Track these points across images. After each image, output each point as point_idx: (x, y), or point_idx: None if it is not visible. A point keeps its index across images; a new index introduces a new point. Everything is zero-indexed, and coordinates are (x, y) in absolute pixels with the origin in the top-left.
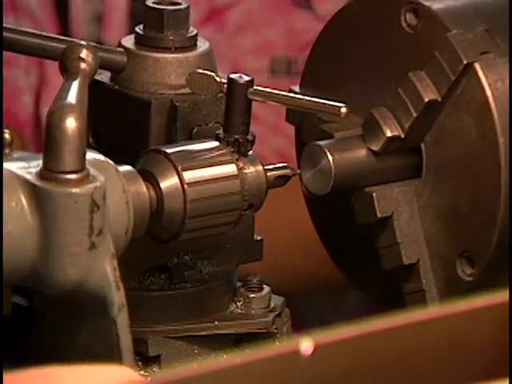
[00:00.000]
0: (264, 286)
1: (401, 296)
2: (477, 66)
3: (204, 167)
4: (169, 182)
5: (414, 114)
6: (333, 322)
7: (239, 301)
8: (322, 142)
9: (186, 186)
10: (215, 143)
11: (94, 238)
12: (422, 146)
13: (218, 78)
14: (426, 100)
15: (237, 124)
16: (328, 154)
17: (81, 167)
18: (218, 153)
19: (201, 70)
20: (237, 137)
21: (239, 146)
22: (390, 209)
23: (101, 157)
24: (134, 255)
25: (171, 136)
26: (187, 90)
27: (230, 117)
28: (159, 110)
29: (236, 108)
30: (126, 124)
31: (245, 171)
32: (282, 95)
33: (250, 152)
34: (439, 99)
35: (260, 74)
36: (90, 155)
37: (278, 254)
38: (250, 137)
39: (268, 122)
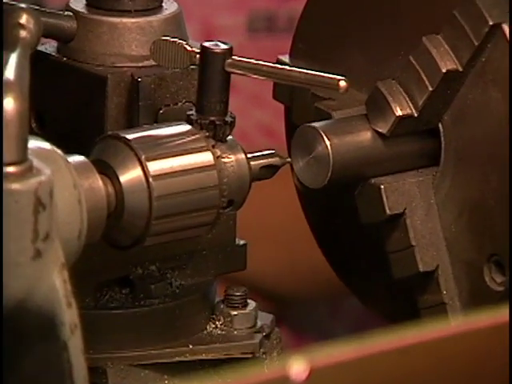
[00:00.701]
0: (249, 301)
1: (416, 311)
2: (505, 27)
3: (173, 156)
4: (130, 175)
5: (430, 88)
6: (332, 331)
7: (219, 319)
8: (317, 124)
9: (151, 180)
10: (186, 127)
11: (39, 244)
12: (440, 126)
13: (188, 47)
14: (444, 70)
15: (212, 103)
16: (325, 137)
17: (22, 158)
18: (189, 138)
19: (167, 38)
20: (213, 118)
21: (216, 129)
22: (402, 204)
23: (46, 145)
24: (88, 265)
25: (132, 119)
26: (151, 63)
27: (205, 94)
28: (117, 86)
29: (211, 83)
30: (77, 105)
31: (223, 160)
32: (268, 67)
33: (230, 137)
34: (460, 69)
35: (235, 32)
36: (34, 143)
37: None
38: (228, 118)
39: (249, 92)
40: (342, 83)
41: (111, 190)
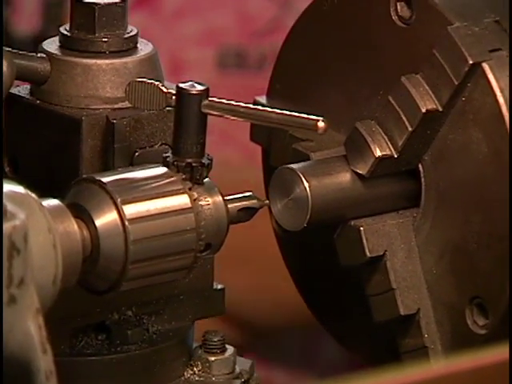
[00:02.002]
0: (227, 346)
1: (397, 355)
2: (485, 66)
3: (149, 199)
4: (106, 219)
5: (410, 128)
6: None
7: (197, 365)
8: (295, 165)
9: (126, 223)
10: (163, 169)
11: (13, 289)
12: (420, 167)
13: (164, 88)
14: (424, 110)
15: (189, 145)
16: (303, 179)
17: None
18: (166, 181)
19: (143, 79)
20: (189, 161)
21: (192, 171)
22: (382, 246)
23: (20, 189)
24: (63, 310)
25: (108, 161)
26: (127, 104)
27: (181, 136)
28: (92, 129)
29: (188, 125)
30: (51, 148)
31: (200, 203)
32: (245, 108)
33: (206, 179)
34: (440, 109)
35: (204, 68)
36: (7, 187)
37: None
38: (205, 160)
39: (219, 129)
40: (321, 124)
41: (86, 234)
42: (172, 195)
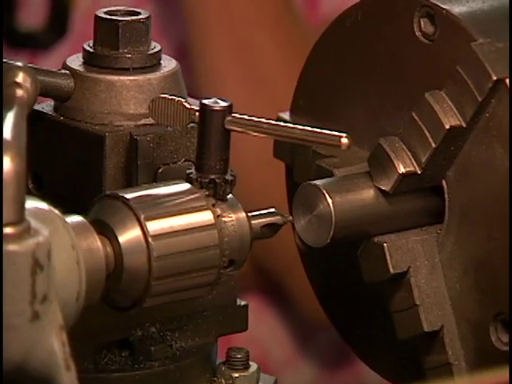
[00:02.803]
0: (251, 362)
1: (421, 372)
2: (509, 82)
3: (173, 216)
4: (129, 235)
5: (433, 145)
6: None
7: (220, 382)
8: (319, 182)
9: (150, 240)
10: (186, 185)
11: (37, 306)
12: (444, 183)
13: (187, 105)
14: (448, 127)
15: (213, 161)
16: (327, 196)
17: (19, 218)
18: (189, 197)
19: (166, 95)
20: (213, 177)
21: (216, 188)
22: (406, 263)
23: (44, 205)
24: (87, 327)
25: (131, 178)
26: (150, 121)
27: (204, 152)
28: (115, 146)
29: (211, 141)
30: (74, 164)
31: (224, 219)
32: (269, 124)
33: (230, 195)
34: (464, 125)
35: None
36: (31, 203)
37: None
38: (229, 177)
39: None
40: (344, 140)
41: (110, 250)
42: (195, 211)
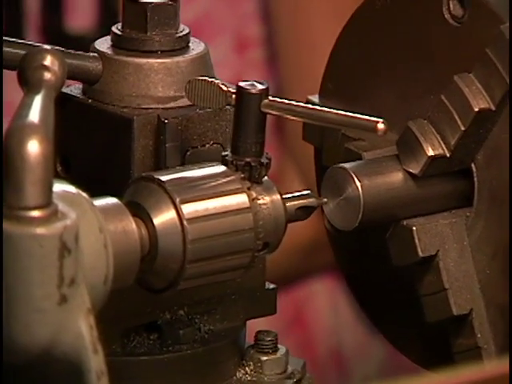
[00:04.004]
0: (279, 345)
1: (450, 356)
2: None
3: (208, 198)
4: (164, 218)
5: (462, 128)
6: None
7: (249, 365)
8: (347, 165)
9: (185, 223)
10: (221, 168)
11: (64, 289)
12: (473, 166)
13: (224, 87)
14: (477, 109)
15: (248, 144)
16: (355, 179)
17: (47, 202)
18: (225, 180)
19: (203, 77)
20: (248, 160)
21: (251, 171)
22: (435, 246)
23: (72, 189)
24: (115, 311)
25: (159, 161)
26: (178, 104)
27: (240, 135)
28: (143, 128)
29: (247, 124)
30: (102, 147)
31: (259, 202)
32: (304, 107)
33: (265, 178)
34: (493, 108)
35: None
36: (58, 187)
37: None
38: (264, 160)
39: None
40: (380, 126)
41: (145, 232)
42: (231, 194)
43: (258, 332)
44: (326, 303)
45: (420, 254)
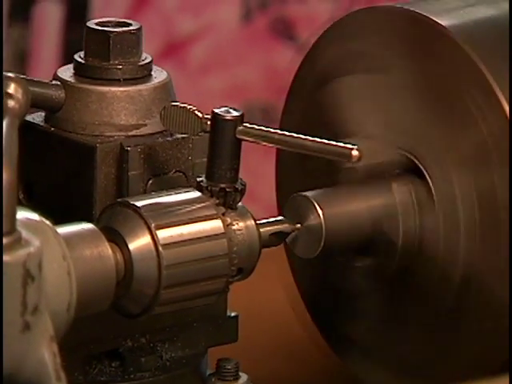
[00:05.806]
0: (240, 373)
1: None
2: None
3: (183, 224)
4: (139, 243)
5: None
6: None
7: None
8: (309, 193)
9: (160, 248)
10: (196, 193)
11: (28, 316)
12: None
13: (199, 113)
14: None
15: (223, 170)
16: (317, 207)
17: (10, 229)
18: (199, 206)
19: (178, 103)
20: (223, 186)
21: (226, 197)
22: None
23: (35, 216)
24: (77, 338)
25: (122, 189)
26: (140, 132)
27: (215, 161)
28: (106, 156)
29: (222, 150)
30: (65, 175)
31: (233, 228)
32: (280, 135)
33: (239, 204)
34: None
35: None
36: (22, 214)
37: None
38: (239, 185)
39: None
40: (355, 153)
41: (120, 257)
42: (205, 220)
43: (219, 360)
44: None
45: None
